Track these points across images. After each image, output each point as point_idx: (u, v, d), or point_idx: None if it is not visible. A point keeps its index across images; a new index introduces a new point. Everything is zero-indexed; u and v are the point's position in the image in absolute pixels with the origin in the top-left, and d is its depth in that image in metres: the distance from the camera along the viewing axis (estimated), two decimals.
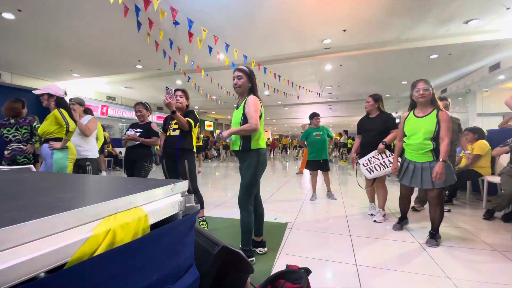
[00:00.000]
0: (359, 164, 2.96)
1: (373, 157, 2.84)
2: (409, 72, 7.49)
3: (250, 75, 1.94)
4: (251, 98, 1.88)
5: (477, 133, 3.65)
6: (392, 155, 2.70)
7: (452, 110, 4.42)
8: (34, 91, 2.54)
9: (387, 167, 2.72)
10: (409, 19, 4.24)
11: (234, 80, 1.96)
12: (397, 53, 5.81)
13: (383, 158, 2.76)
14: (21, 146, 2.97)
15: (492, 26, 4.48)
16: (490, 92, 7.38)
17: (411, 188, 2.43)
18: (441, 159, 2.05)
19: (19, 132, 2.97)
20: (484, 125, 6.78)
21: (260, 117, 1.89)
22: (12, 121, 2.96)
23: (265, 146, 1.96)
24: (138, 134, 2.90)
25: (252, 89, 1.95)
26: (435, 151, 2.14)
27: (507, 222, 2.80)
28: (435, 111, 2.15)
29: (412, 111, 2.30)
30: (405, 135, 2.34)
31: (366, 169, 2.89)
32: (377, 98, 2.93)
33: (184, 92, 2.60)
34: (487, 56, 6.13)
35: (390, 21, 4.30)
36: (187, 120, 2.41)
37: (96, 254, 0.54)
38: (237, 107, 2.00)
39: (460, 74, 7.75)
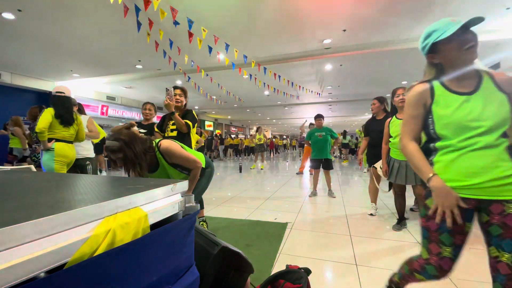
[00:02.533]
0: (375, 168, 2.97)
1: None
2: (409, 72, 7.48)
3: (123, 149, 1.43)
4: (166, 149, 1.60)
5: None
6: None
7: None
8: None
9: None
10: (409, 19, 4.24)
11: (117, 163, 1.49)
12: (397, 53, 5.81)
13: None
14: (36, 146, 3.44)
15: (492, 26, 4.48)
16: None
17: (403, 186, 2.52)
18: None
19: (34, 134, 3.33)
20: None
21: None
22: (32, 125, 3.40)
23: (202, 156, 1.99)
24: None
25: (135, 157, 1.47)
26: None
27: None
28: None
29: (394, 115, 2.51)
30: (390, 137, 2.50)
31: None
32: (382, 100, 3.06)
33: (183, 90, 2.55)
34: (487, 56, 6.12)
35: (390, 21, 4.30)
36: (185, 122, 2.37)
37: (96, 254, 0.54)
38: (150, 171, 1.65)
39: None
